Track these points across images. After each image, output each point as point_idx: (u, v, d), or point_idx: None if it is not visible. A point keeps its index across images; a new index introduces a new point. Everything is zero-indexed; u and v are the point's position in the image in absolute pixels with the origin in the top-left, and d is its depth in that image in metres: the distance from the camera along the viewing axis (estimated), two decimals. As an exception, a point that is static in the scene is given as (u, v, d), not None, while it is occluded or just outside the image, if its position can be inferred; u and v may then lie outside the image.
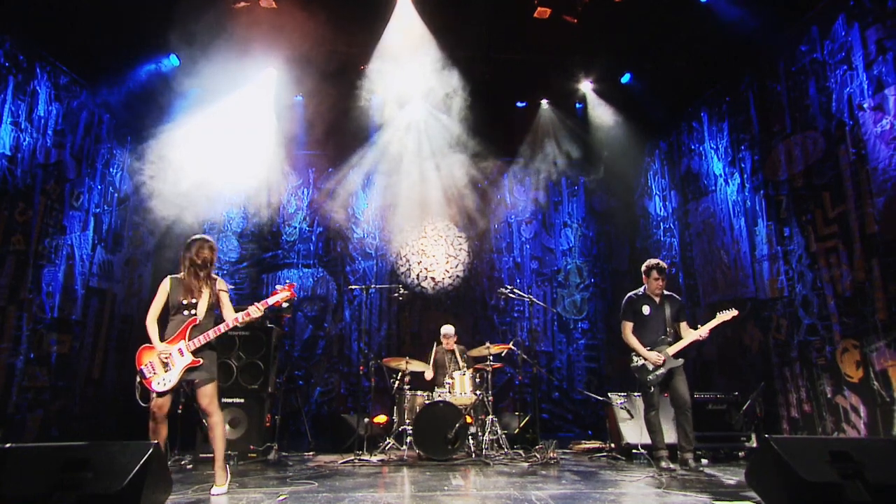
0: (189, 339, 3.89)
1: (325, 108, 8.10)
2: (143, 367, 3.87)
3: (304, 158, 9.16)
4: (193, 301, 3.99)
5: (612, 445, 5.98)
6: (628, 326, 5.06)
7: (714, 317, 4.86)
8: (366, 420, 6.09)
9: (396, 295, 6.59)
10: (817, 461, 2.58)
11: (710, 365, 7.13)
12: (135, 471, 2.46)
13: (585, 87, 8.24)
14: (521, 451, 5.82)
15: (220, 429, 3.99)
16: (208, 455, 5.49)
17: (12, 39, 5.57)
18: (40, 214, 5.91)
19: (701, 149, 7.45)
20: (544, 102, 8.75)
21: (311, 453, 6.18)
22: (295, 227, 9.03)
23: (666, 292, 5.11)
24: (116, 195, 7.39)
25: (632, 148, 8.83)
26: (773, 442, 2.69)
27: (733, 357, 6.66)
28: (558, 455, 5.60)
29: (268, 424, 5.89)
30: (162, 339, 3.94)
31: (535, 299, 7.17)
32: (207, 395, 3.93)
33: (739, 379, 6.46)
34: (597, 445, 6.41)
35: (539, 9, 6.45)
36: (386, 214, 9.10)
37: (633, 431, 5.69)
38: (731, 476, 4.43)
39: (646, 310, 5.03)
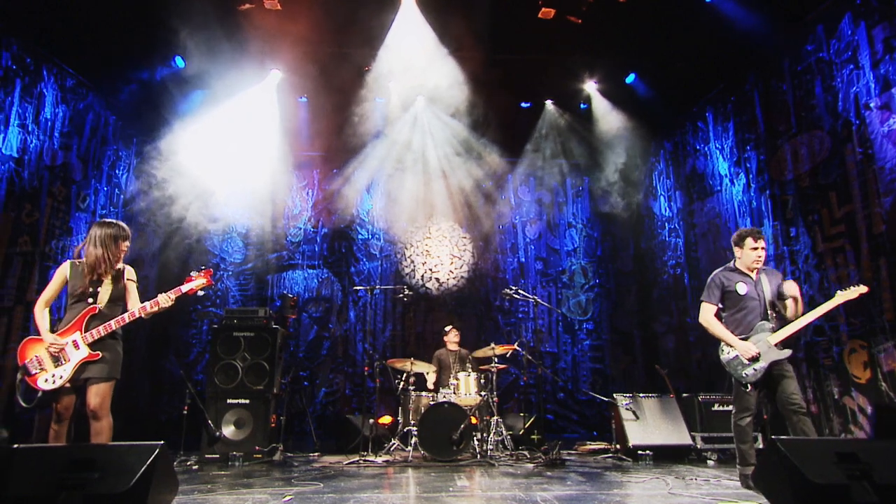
0: (86, 331, 3.49)
1: (329, 109, 8.13)
2: (27, 362, 3.47)
3: (308, 159, 9.18)
4: (95, 290, 3.58)
5: (618, 446, 5.96)
6: (709, 310, 4.09)
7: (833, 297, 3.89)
8: (371, 421, 6.09)
9: (401, 296, 6.59)
10: (824, 462, 2.56)
11: (715, 365, 7.08)
12: (141, 471, 2.46)
13: (590, 87, 8.21)
14: (525, 452, 5.81)
15: (105, 437, 3.44)
16: (214, 455, 5.55)
17: (19, 42, 5.62)
18: (47, 216, 5.95)
19: (706, 149, 7.41)
20: (549, 103, 8.73)
21: (316, 454, 6.18)
22: (300, 229, 9.05)
23: (762, 266, 4.06)
24: (122, 197, 7.43)
25: (637, 148, 8.82)
26: (780, 443, 2.67)
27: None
28: (563, 456, 5.58)
29: (273, 425, 5.91)
30: (54, 330, 3.54)
31: (539, 300, 7.15)
32: (100, 394, 3.44)
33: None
34: (602, 446, 6.39)
35: (543, 9, 6.45)
36: (390, 215, 9.11)
37: (639, 432, 5.67)
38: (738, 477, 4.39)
39: (741, 288, 3.98)
